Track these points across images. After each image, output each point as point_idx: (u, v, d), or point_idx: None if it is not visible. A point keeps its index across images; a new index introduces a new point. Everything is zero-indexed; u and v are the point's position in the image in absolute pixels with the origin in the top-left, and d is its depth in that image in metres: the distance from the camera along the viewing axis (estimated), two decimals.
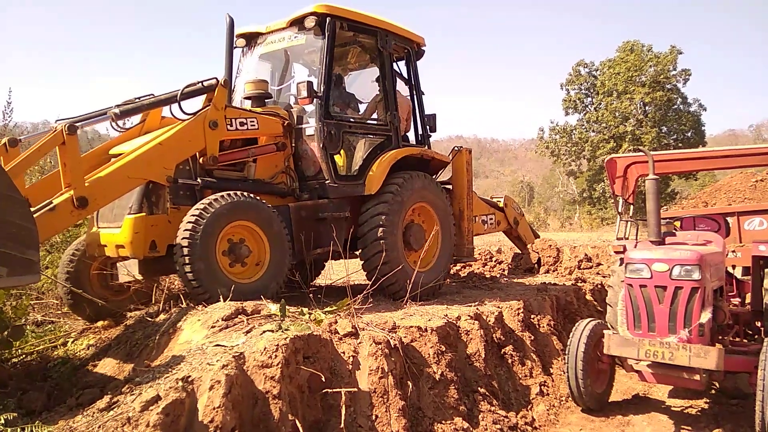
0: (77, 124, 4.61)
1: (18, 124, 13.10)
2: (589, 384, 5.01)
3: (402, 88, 7.06)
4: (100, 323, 5.47)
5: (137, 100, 5.25)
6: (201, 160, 5.26)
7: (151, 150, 4.89)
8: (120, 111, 4.99)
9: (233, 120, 5.46)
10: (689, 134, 34.37)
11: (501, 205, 8.73)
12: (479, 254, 10.04)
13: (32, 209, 4.13)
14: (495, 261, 9.99)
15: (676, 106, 34.51)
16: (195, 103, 5.42)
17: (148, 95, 5.31)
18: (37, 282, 4.06)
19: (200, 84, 5.28)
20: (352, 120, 6.42)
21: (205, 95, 5.37)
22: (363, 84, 7.28)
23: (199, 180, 5.21)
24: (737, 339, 5.58)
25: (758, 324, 5.61)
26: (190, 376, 3.26)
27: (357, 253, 6.31)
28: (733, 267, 6.47)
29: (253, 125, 5.64)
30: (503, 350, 5.52)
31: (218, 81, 5.29)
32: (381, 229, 5.93)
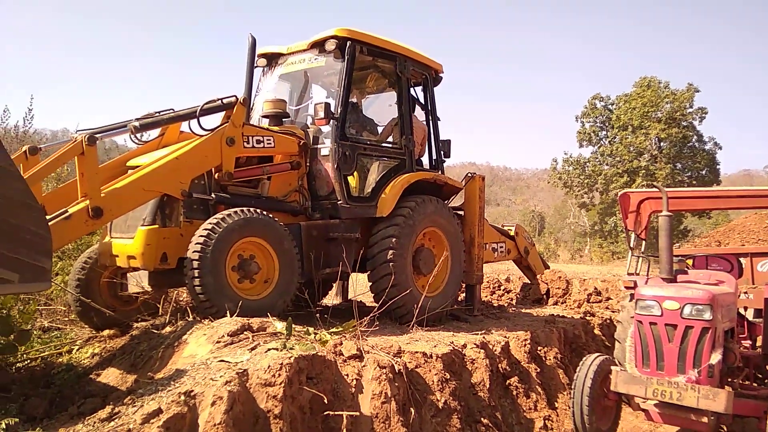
0: (97, 136, 4.67)
1: (38, 131, 13.37)
2: (594, 420, 4.92)
3: (418, 113, 7.10)
4: (106, 332, 5.48)
5: (157, 114, 5.33)
6: (216, 176, 5.31)
7: (168, 164, 4.94)
8: (140, 124, 5.07)
9: (250, 137, 5.52)
10: (704, 172, 34.23)
11: (512, 233, 8.69)
12: (488, 282, 9.99)
13: (48, 217, 4.17)
14: (503, 290, 9.92)
15: (691, 144, 34.43)
16: (213, 119, 5.50)
17: (168, 110, 5.38)
18: (47, 289, 4.05)
19: (220, 101, 5.34)
20: (367, 142, 6.46)
21: (224, 112, 5.43)
22: (380, 107, 7.35)
23: (213, 195, 5.25)
24: (747, 382, 5.48)
25: None
26: (192, 391, 3.25)
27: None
28: (745, 309, 6.38)
29: (270, 143, 5.70)
30: (508, 381, 5.45)
31: (237, 99, 5.35)
32: (391, 251, 5.93)
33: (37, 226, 3.26)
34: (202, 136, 5.22)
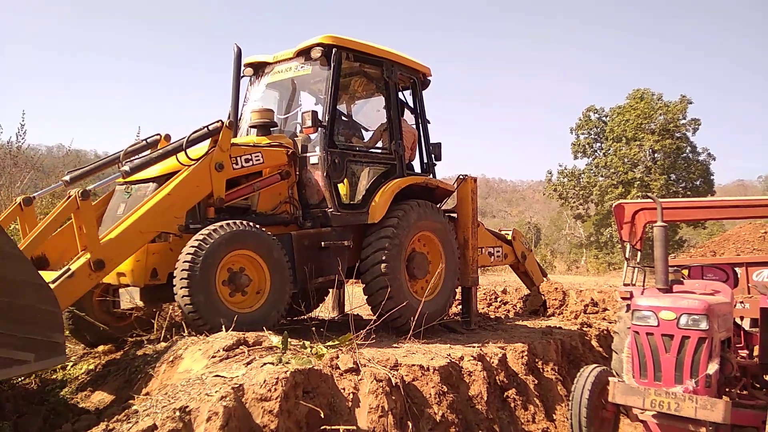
0: (89, 189, 4.69)
1: (32, 146, 13.31)
2: None
3: (408, 116, 7.10)
4: (100, 348, 5.45)
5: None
6: (209, 202, 5.25)
7: (161, 202, 4.87)
8: (130, 168, 5.03)
9: (238, 158, 5.49)
10: (698, 183, 34.37)
11: (509, 237, 8.67)
12: (484, 294, 9.97)
13: (52, 278, 4.15)
14: (500, 302, 9.90)
15: (685, 155, 34.60)
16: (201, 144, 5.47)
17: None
18: (63, 363, 4.06)
19: (205, 128, 5.29)
20: (356, 149, 6.46)
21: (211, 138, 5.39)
22: (369, 112, 7.34)
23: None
24: (744, 392, 5.48)
25: (766, 377, 5.51)
26: (187, 407, 3.22)
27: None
28: (741, 318, 6.39)
29: (258, 160, 5.68)
30: (506, 393, 5.43)
31: (223, 123, 5.30)
32: (384, 264, 5.89)
33: (45, 303, 3.29)
34: (189, 166, 5.14)
